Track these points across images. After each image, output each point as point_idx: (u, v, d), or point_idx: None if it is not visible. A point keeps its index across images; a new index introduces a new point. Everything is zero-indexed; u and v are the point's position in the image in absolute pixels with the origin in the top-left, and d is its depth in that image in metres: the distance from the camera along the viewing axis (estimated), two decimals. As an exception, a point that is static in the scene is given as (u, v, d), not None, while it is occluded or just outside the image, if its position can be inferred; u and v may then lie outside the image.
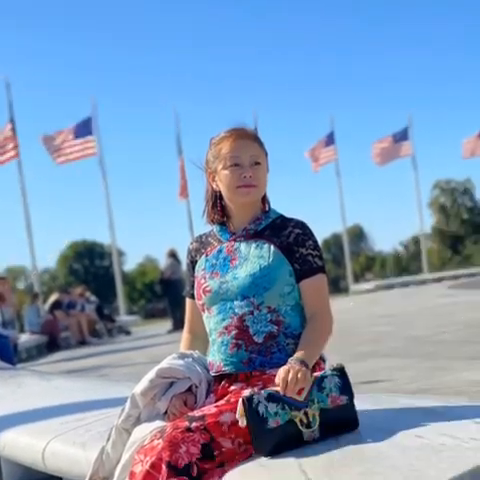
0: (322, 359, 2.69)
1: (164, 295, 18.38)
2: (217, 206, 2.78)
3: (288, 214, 2.79)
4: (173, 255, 16.87)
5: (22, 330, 17.21)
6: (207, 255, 2.79)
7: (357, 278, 39.92)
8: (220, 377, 2.68)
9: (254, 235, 2.73)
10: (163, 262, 18.32)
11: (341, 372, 2.48)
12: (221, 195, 2.76)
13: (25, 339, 15.29)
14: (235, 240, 2.75)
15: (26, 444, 3.68)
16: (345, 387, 2.46)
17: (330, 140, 26.46)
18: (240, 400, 2.40)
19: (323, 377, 2.47)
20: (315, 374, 2.49)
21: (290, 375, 2.39)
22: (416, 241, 41.53)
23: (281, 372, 2.42)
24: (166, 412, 2.66)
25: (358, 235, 64.23)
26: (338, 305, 12.84)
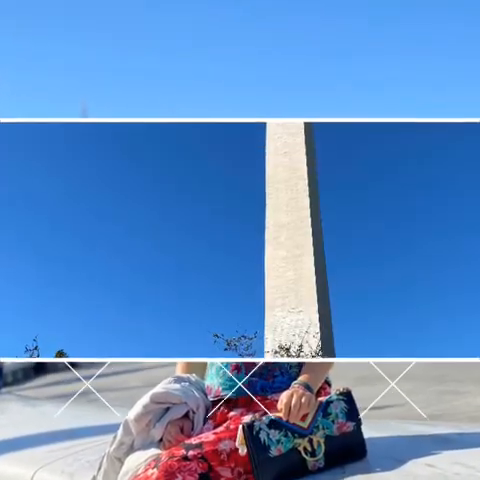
0: (327, 383, 2.69)
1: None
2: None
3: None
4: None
5: (7, 352, 17.13)
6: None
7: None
8: (219, 402, 2.67)
9: None
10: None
11: (348, 397, 2.48)
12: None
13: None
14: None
15: (11, 474, 3.66)
16: (352, 413, 2.45)
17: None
18: (240, 427, 2.39)
19: (328, 402, 2.46)
20: (320, 399, 2.48)
21: (293, 400, 2.39)
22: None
23: (284, 397, 2.42)
24: (161, 439, 2.65)
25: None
26: (343, 325, 12.75)
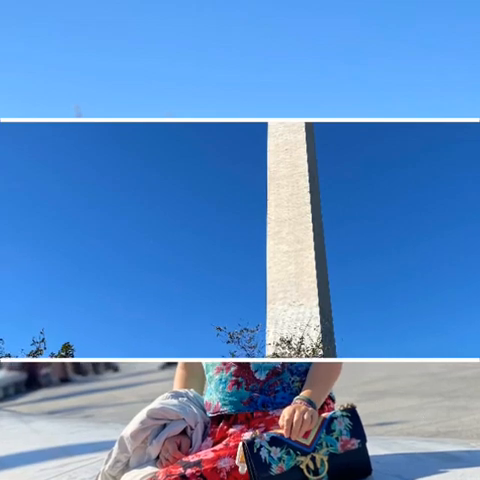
0: (331, 398, 2.68)
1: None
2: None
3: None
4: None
5: (-2, 366, 17.14)
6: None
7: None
8: (218, 418, 2.67)
9: None
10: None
11: (352, 413, 2.47)
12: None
13: (2, 376, 15.22)
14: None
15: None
16: (356, 429, 2.44)
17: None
18: (240, 444, 2.39)
19: (332, 418, 2.45)
20: (323, 415, 2.47)
21: (295, 416, 2.38)
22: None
23: (285, 413, 2.41)
24: (158, 457, 2.64)
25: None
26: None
